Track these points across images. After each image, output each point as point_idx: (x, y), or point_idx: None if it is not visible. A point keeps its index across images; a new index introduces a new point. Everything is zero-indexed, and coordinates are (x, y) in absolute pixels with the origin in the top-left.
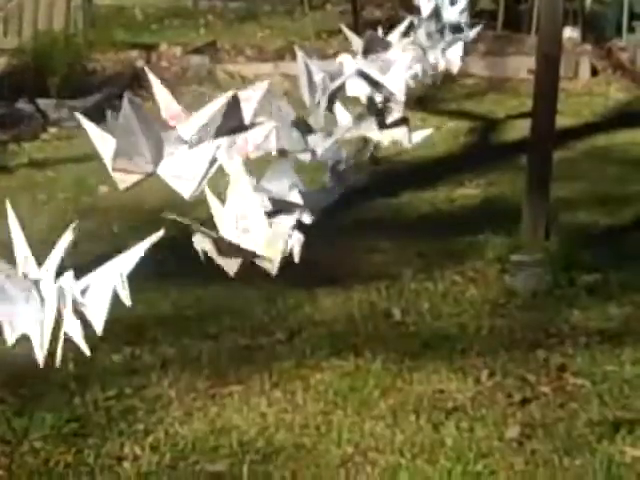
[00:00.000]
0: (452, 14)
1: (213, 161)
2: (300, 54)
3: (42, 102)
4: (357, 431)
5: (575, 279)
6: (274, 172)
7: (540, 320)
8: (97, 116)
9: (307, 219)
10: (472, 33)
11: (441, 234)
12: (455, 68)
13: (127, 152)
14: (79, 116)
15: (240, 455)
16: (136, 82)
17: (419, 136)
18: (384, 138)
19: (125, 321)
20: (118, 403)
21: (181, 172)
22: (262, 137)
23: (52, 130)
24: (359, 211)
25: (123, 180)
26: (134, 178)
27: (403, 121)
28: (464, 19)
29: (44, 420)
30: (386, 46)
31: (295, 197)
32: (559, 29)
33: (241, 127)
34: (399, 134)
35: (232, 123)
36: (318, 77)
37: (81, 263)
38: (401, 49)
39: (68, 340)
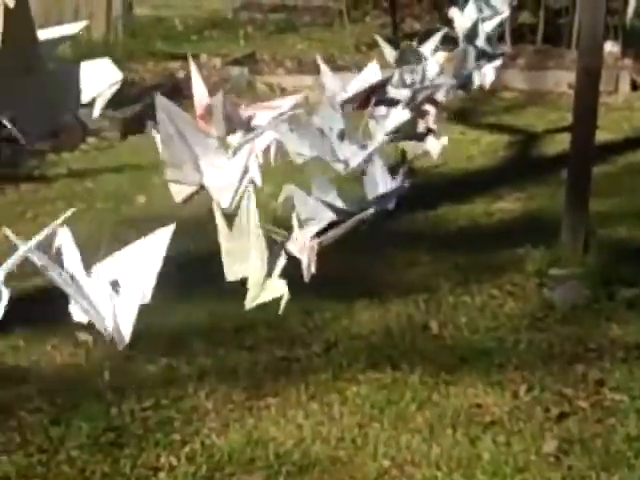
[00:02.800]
0: (481, 39)
1: (246, 171)
2: (323, 66)
3: (82, 112)
4: (393, 444)
5: (614, 293)
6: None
7: (578, 334)
8: (136, 126)
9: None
10: (497, 62)
11: (479, 247)
12: (487, 83)
13: (173, 161)
14: (149, 124)
15: (276, 467)
16: (176, 93)
17: (439, 145)
18: (416, 149)
19: (161, 332)
20: (155, 414)
21: (222, 183)
22: (264, 146)
23: (91, 140)
24: (396, 223)
25: (178, 192)
26: (188, 190)
27: (430, 132)
28: (492, 44)
29: (81, 429)
30: (420, 58)
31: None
32: (600, 43)
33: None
34: (430, 146)
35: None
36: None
37: None
38: (435, 61)
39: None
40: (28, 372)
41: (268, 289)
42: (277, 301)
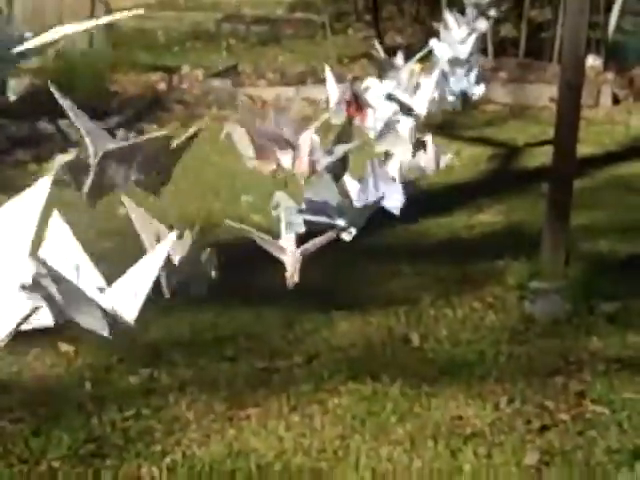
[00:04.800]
0: (462, 52)
1: None
2: (329, 71)
3: (63, 122)
4: (374, 456)
5: (594, 307)
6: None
7: (559, 347)
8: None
9: (348, 236)
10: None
11: (460, 260)
12: (475, 95)
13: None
14: (119, 134)
15: (257, 478)
16: (157, 104)
17: (442, 162)
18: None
19: (142, 343)
20: (135, 424)
21: None
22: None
23: (72, 151)
24: (377, 235)
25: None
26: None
27: (421, 144)
28: (473, 56)
29: (61, 440)
30: (400, 70)
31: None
32: (582, 57)
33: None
34: (424, 160)
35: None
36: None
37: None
38: (421, 74)
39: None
40: (9, 382)
41: None
42: (259, 312)
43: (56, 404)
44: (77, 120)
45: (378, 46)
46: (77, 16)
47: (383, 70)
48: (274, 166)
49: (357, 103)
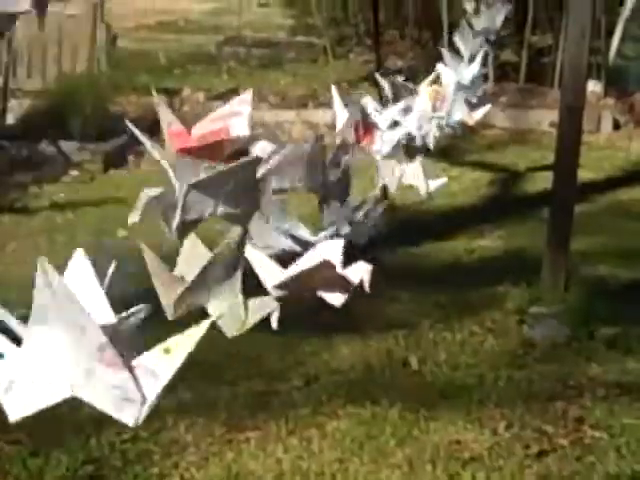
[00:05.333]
0: (466, 77)
1: None
2: (336, 92)
3: (64, 144)
4: None
5: (594, 332)
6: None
7: (558, 372)
8: (118, 160)
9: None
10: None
11: (460, 284)
12: (471, 120)
13: None
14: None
15: None
16: (158, 126)
17: (435, 184)
18: (398, 184)
19: None
20: (134, 446)
21: None
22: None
23: (73, 172)
24: (377, 259)
25: None
26: None
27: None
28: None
29: (60, 461)
30: (410, 93)
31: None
32: (583, 82)
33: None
34: (416, 181)
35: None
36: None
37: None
38: (426, 97)
39: None
40: None
41: (253, 309)
42: (256, 334)
43: (54, 426)
44: (155, 153)
45: (377, 75)
46: (79, 38)
47: (395, 93)
48: None
49: (365, 125)
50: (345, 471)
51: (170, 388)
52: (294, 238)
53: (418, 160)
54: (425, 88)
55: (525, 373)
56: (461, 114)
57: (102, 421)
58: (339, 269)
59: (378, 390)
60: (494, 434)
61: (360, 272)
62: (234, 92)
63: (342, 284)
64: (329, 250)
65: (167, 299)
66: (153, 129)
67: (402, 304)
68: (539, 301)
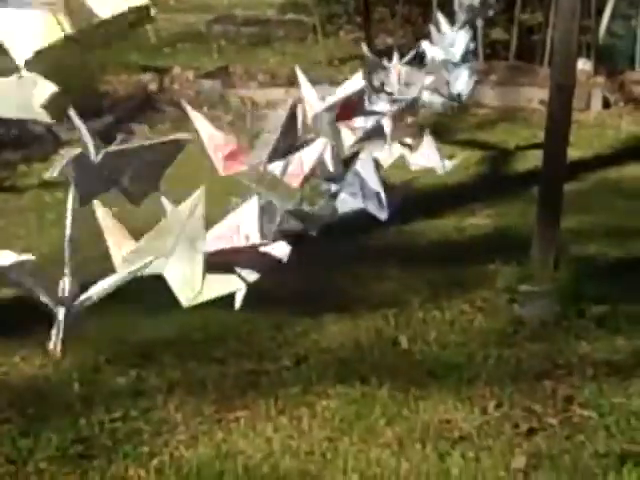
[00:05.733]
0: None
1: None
2: (300, 74)
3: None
4: (363, 459)
5: (584, 310)
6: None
7: (548, 351)
8: (108, 138)
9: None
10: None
11: (450, 263)
12: (464, 96)
13: None
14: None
15: None
16: (147, 104)
17: (449, 164)
18: (389, 158)
19: (131, 343)
20: (123, 425)
21: None
22: (316, 156)
23: (63, 151)
24: (367, 238)
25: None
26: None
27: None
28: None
29: (50, 441)
30: (389, 72)
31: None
32: (573, 60)
33: (294, 146)
34: (428, 162)
35: (288, 142)
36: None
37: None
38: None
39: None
40: None
41: (213, 284)
42: (248, 314)
43: (44, 405)
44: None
45: (366, 48)
46: None
47: (372, 71)
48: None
49: (350, 106)
50: (335, 450)
51: (160, 367)
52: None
53: (429, 140)
54: (395, 67)
55: (514, 352)
56: (461, 87)
57: (92, 400)
58: (255, 237)
59: (368, 369)
60: (483, 413)
61: (280, 250)
62: (224, 70)
63: (261, 261)
64: (245, 216)
65: (116, 254)
66: (143, 107)
67: (392, 283)
68: (529, 279)
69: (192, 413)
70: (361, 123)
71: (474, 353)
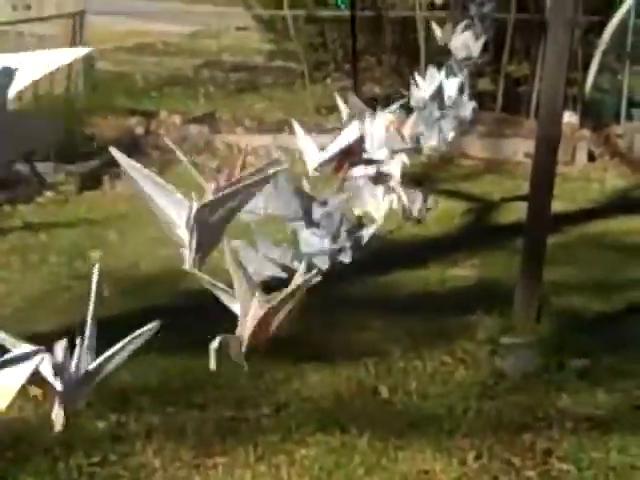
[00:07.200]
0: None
1: None
2: (297, 126)
3: (40, 165)
4: None
5: (565, 363)
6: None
7: (528, 403)
8: (93, 182)
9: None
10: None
11: (432, 313)
12: (447, 147)
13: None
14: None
15: None
16: (134, 148)
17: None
18: (380, 212)
19: (111, 388)
20: (102, 470)
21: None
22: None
23: (48, 194)
24: (348, 287)
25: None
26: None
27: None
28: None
29: None
30: (368, 117)
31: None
32: (559, 113)
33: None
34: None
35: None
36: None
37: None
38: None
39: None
40: None
41: None
42: (227, 361)
43: (23, 448)
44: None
45: (337, 96)
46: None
47: (353, 116)
48: None
49: (349, 155)
50: None
51: (139, 412)
52: (281, 265)
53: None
54: (383, 115)
55: (495, 404)
56: (436, 140)
57: (71, 444)
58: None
59: (348, 419)
60: (462, 464)
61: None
62: (211, 116)
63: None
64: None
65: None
66: (129, 150)
67: (373, 333)
68: (511, 331)
69: (170, 458)
70: (360, 172)
71: (454, 404)
